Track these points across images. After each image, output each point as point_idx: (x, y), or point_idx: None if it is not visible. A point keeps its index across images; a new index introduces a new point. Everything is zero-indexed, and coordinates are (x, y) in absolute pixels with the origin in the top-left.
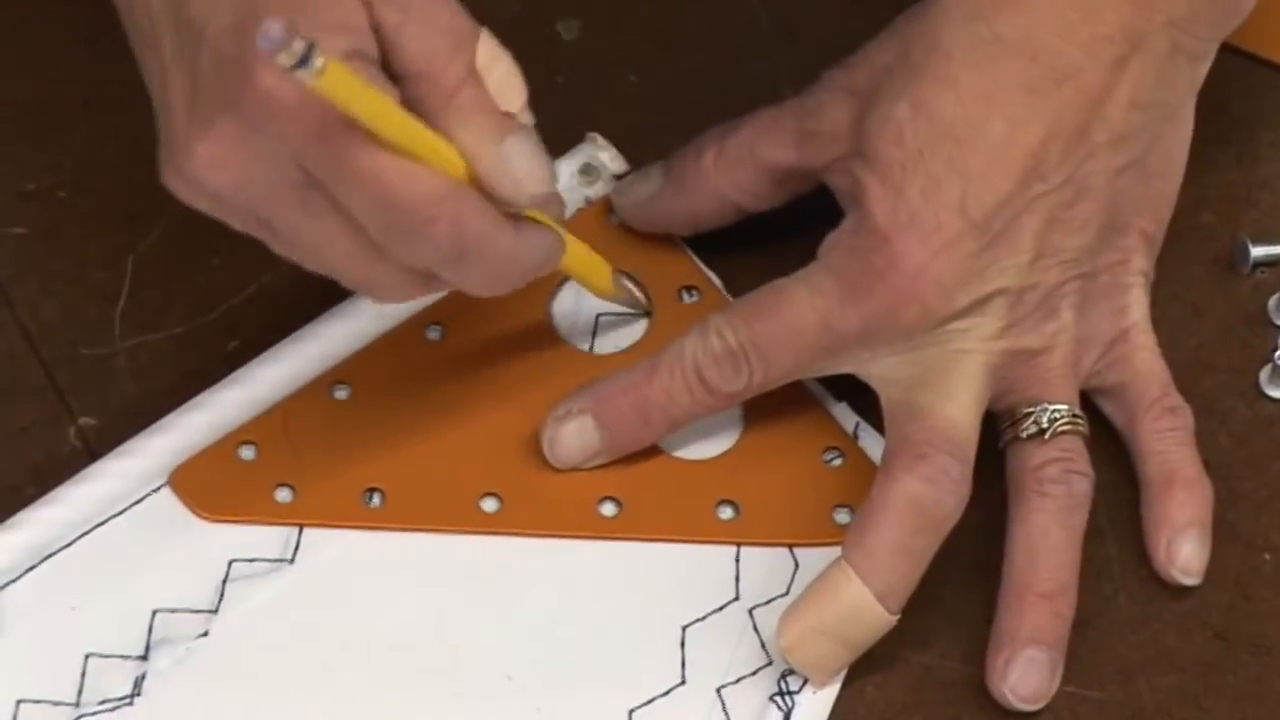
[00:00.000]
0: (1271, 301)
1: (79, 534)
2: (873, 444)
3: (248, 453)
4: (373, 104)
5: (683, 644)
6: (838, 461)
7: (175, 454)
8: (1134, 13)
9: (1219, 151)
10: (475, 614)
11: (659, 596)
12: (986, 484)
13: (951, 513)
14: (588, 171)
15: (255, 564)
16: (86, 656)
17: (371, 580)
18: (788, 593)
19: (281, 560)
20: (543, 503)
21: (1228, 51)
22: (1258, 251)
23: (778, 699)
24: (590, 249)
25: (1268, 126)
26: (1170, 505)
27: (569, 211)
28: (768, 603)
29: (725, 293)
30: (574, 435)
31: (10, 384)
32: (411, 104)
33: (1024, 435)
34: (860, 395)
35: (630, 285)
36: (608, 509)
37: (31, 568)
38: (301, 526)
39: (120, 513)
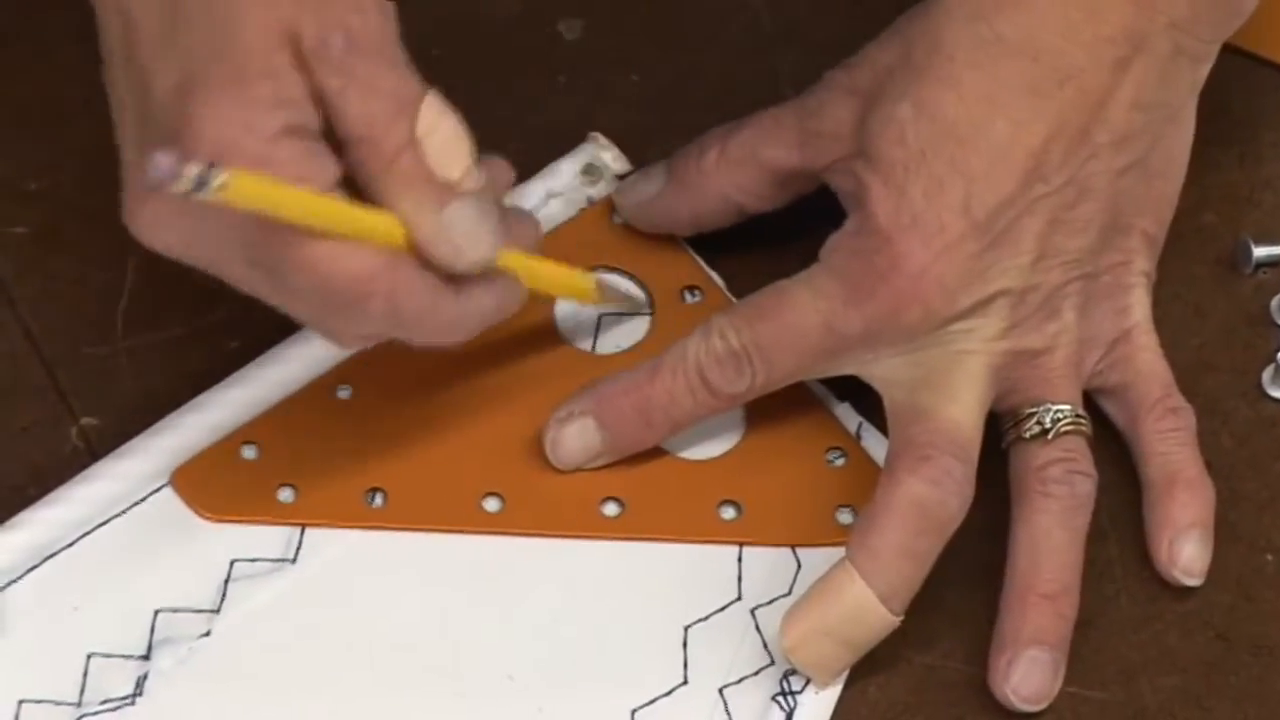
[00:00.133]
0: (1274, 302)
1: (80, 534)
2: (875, 445)
3: (250, 452)
4: (287, 199)
5: (685, 644)
6: (840, 462)
7: (177, 454)
8: (1136, 13)
9: (1221, 152)
10: (477, 614)
11: (661, 596)
12: (989, 485)
13: (955, 514)
14: (590, 171)
15: (257, 564)
16: (88, 656)
17: (374, 580)
18: (790, 593)
19: (283, 560)
20: (545, 503)
21: (1229, 52)
22: (1260, 252)
23: (780, 699)
24: (566, 268)
25: (1270, 127)
26: (1172, 506)
27: (571, 212)
28: (770, 603)
29: (727, 293)
30: (576, 436)
31: (12, 383)
32: (355, 169)
33: (1027, 436)
34: (863, 396)
35: (621, 286)
36: (610, 509)
37: (33, 568)
38: (304, 526)
39: (122, 513)
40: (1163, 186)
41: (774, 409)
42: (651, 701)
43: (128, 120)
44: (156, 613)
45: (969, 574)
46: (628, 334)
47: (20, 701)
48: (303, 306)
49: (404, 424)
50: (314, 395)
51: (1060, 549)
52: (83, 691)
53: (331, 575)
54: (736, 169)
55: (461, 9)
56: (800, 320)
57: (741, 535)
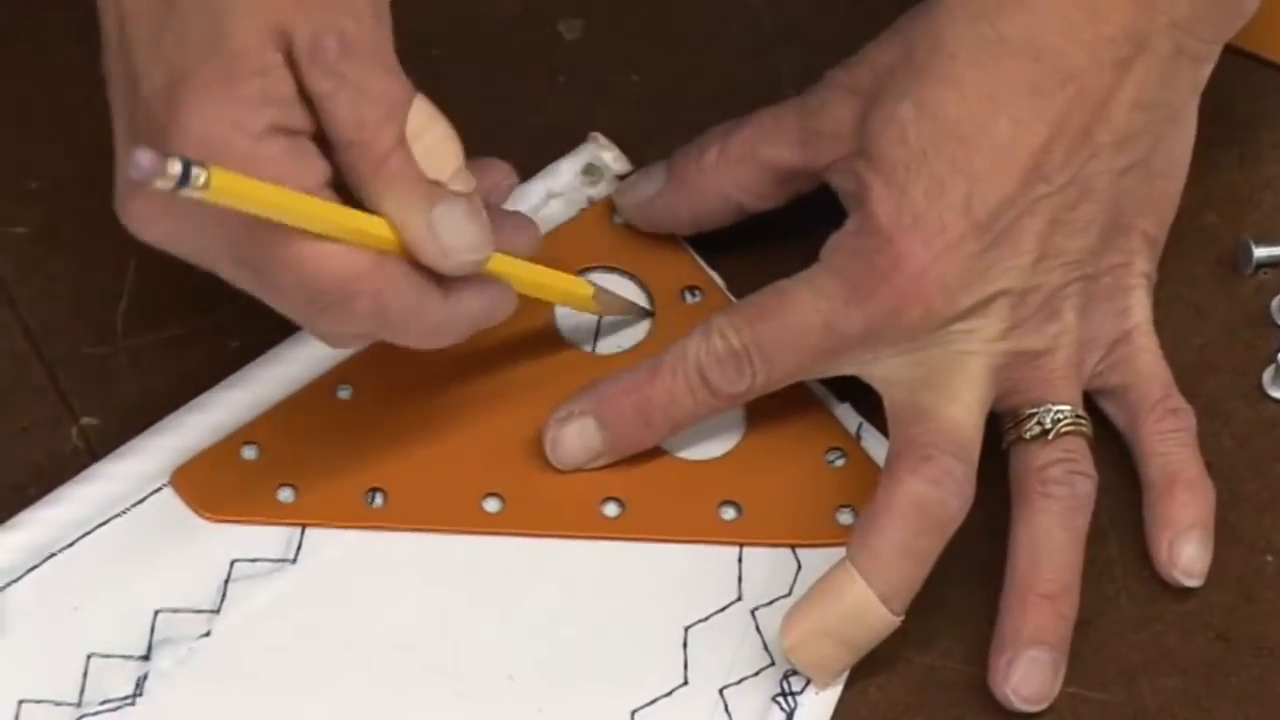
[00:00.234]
0: (1274, 302)
1: (81, 534)
2: (876, 445)
3: (250, 453)
4: (271, 198)
5: (685, 644)
6: (840, 462)
7: (177, 454)
8: (1137, 14)
9: (1222, 153)
10: (477, 614)
11: (661, 597)
12: (989, 485)
13: (956, 514)
14: (590, 171)
15: (257, 564)
16: (88, 656)
17: (374, 580)
18: (790, 593)
19: (284, 560)
20: (545, 503)
21: (1231, 53)
22: (1261, 252)
23: (780, 699)
24: (563, 275)
25: (1271, 127)
26: (1172, 506)
27: (571, 212)
28: (770, 603)
29: (728, 293)
30: (576, 436)
31: (12, 383)
32: (345, 172)
33: (1027, 436)
34: (863, 396)
35: (619, 293)
36: (610, 509)
37: (33, 568)
38: (304, 526)
39: (122, 513)
40: (1164, 187)
41: (774, 409)
42: (651, 702)
43: (119, 122)
44: (156, 613)
45: (969, 574)
46: (628, 334)
47: (20, 701)
48: (290, 305)
49: (404, 424)
50: (314, 395)
51: (1060, 549)
52: (83, 692)
53: (331, 575)
54: (737, 168)
55: (461, 9)
56: (801, 320)
57: (742, 535)
